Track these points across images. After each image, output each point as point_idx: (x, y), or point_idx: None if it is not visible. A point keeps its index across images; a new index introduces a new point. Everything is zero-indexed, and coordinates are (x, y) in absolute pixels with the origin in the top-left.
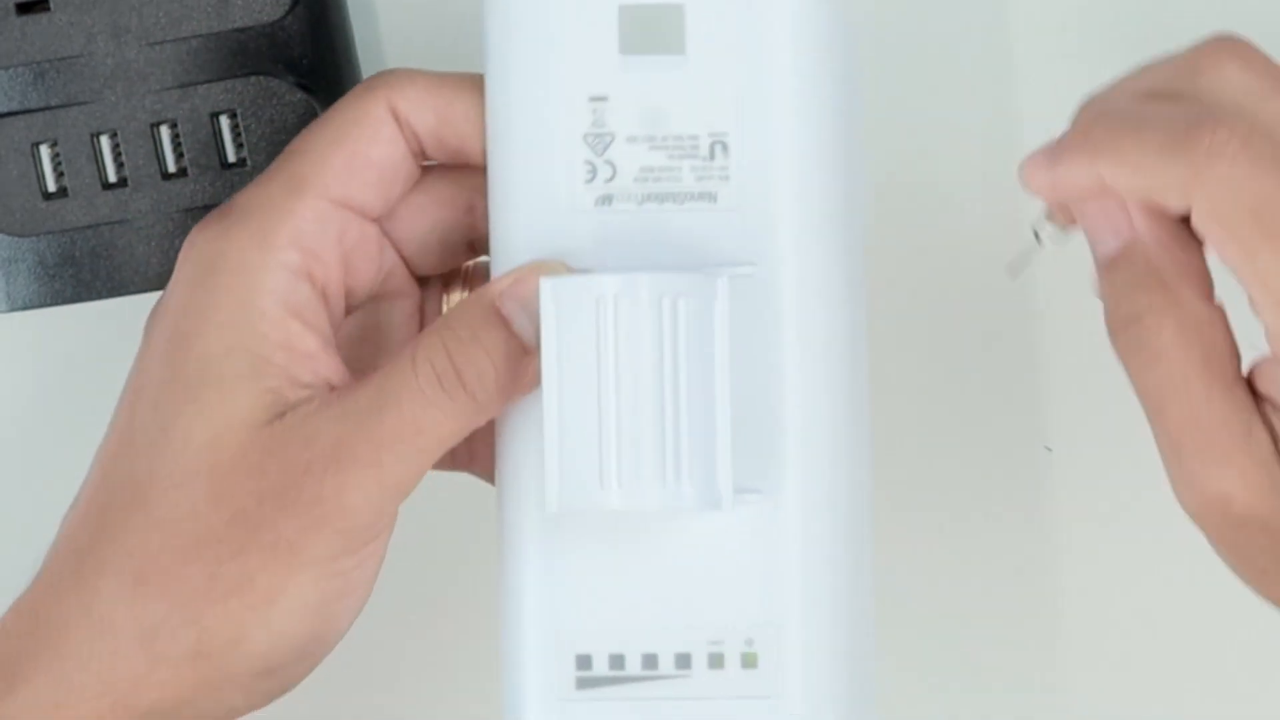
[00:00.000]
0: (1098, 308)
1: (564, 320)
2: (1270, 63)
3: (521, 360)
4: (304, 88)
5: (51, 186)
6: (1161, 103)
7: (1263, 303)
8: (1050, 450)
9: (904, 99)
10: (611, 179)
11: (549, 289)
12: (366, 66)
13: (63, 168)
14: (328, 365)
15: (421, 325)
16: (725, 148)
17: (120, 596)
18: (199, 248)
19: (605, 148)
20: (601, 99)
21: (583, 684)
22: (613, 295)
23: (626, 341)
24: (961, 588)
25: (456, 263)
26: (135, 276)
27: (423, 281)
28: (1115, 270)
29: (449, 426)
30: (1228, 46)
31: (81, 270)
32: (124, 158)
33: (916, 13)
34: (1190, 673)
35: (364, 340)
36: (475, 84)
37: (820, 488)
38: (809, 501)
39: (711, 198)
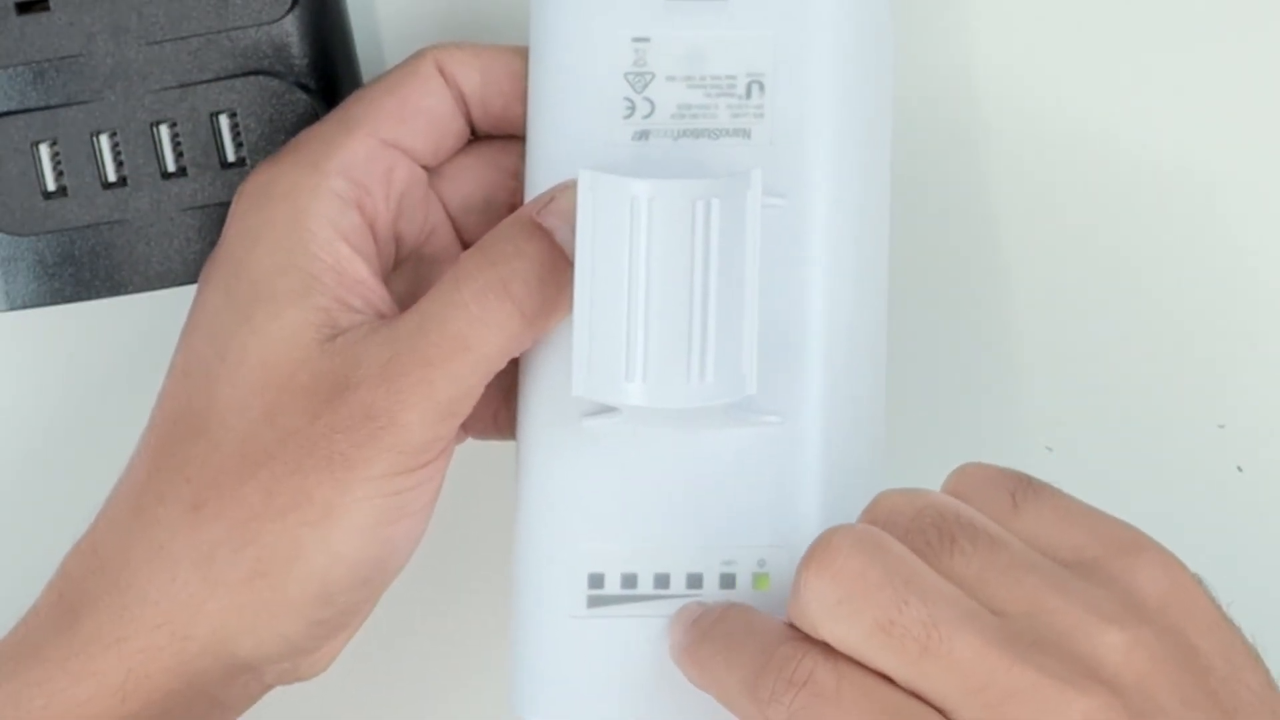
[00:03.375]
0: (1097, 308)
1: (600, 213)
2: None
3: (565, 271)
4: (304, 87)
5: (51, 186)
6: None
7: None
8: (1050, 450)
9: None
10: (650, 115)
11: (587, 180)
12: (366, 66)
13: (62, 167)
14: (377, 294)
15: None
16: (761, 87)
17: (178, 523)
18: (253, 182)
19: (645, 86)
20: (644, 40)
21: (594, 602)
22: (647, 197)
23: (659, 239)
24: None
25: None
26: (135, 276)
27: (466, 246)
28: None
29: (496, 342)
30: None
31: (81, 269)
32: (123, 157)
33: None
34: None
35: (412, 300)
36: (519, 52)
37: (838, 416)
38: (825, 427)
39: (745, 134)
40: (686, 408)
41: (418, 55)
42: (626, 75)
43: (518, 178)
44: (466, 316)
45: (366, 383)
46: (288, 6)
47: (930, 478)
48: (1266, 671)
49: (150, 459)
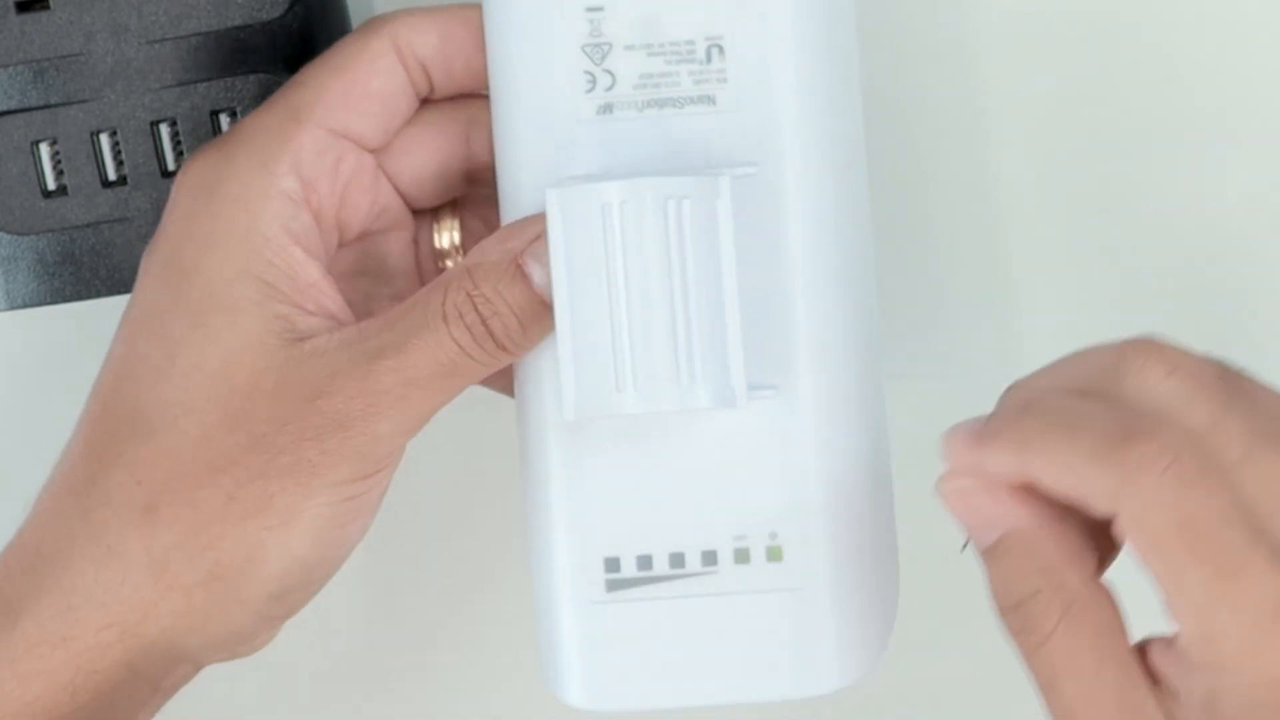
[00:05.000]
0: (1097, 307)
1: (571, 230)
2: (1193, 364)
3: (545, 311)
4: None
5: (51, 185)
6: (1093, 402)
7: (1181, 611)
8: None
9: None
10: (611, 87)
11: (555, 200)
12: None
13: (62, 166)
14: (329, 296)
15: (417, 258)
16: (721, 50)
17: (129, 527)
18: (196, 174)
19: (604, 57)
20: (597, 9)
21: (612, 586)
22: (618, 202)
23: (634, 246)
24: (961, 587)
25: (452, 195)
26: (135, 275)
27: (416, 213)
28: (997, 558)
29: (478, 370)
30: (1152, 350)
31: (81, 268)
32: (124, 156)
33: None
34: None
35: (361, 274)
36: (474, 10)
37: (833, 379)
38: (823, 393)
39: (710, 100)
40: (679, 409)
41: (370, 29)
42: (584, 48)
43: (469, 143)
44: (455, 350)
45: (343, 393)
46: (288, 4)
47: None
48: None
49: (92, 457)
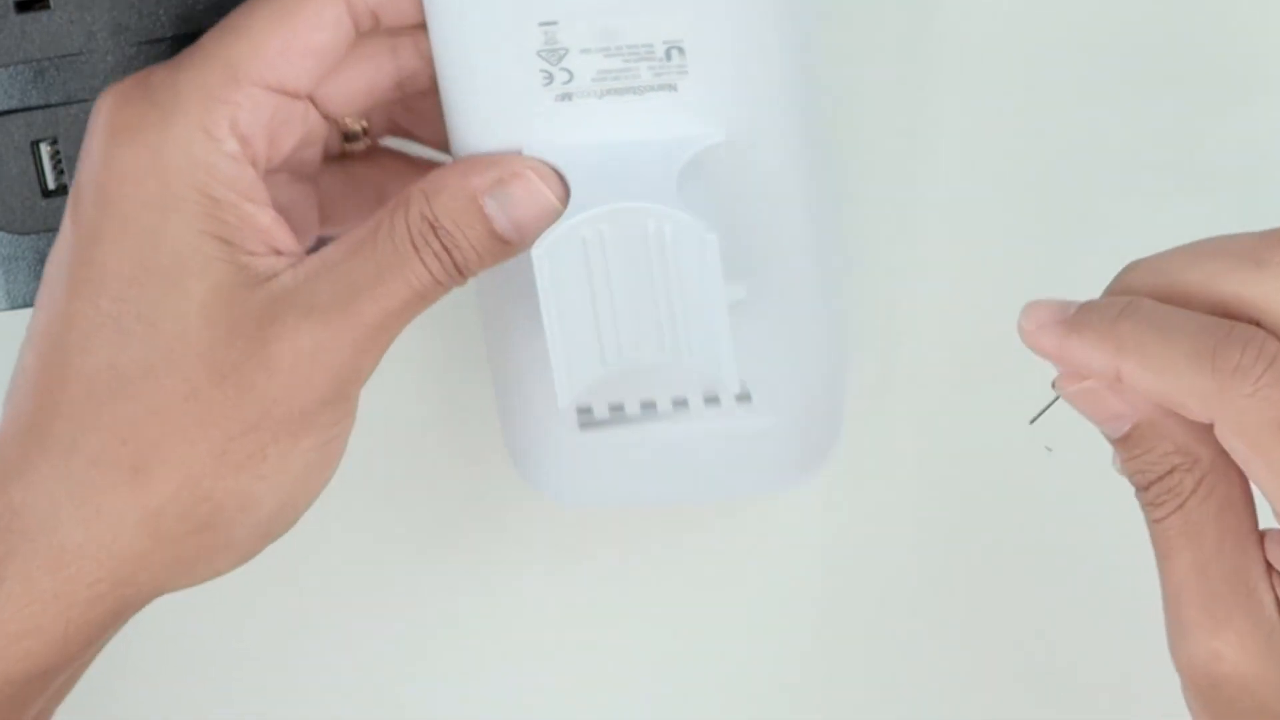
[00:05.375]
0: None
1: (557, 265)
2: None
3: (505, 246)
4: None
5: (51, 184)
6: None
7: None
8: (1050, 450)
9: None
10: (569, 81)
11: (544, 257)
12: None
13: (63, 165)
14: (282, 235)
15: (326, 144)
16: (681, 50)
17: (118, 486)
18: (126, 124)
19: (560, 59)
20: (551, 23)
21: (585, 425)
22: (598, 236)
23: (615, 256)
24: (961, 587)
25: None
26: None
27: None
28: (1131, 445)
29: (442, 293)
30: None
31: None
32: None
33: None
34: None
35: (286, 183)
36: None
37: (798, 277)
38: (788, 287)
39: (672, 88)
40: (662, 363)
41: None
42: (539, 53)
43: (398, 57)
44: (428, 279)
45: (326, 335)
46: None
47: (930, 477)
48: None
49: (61, 419)
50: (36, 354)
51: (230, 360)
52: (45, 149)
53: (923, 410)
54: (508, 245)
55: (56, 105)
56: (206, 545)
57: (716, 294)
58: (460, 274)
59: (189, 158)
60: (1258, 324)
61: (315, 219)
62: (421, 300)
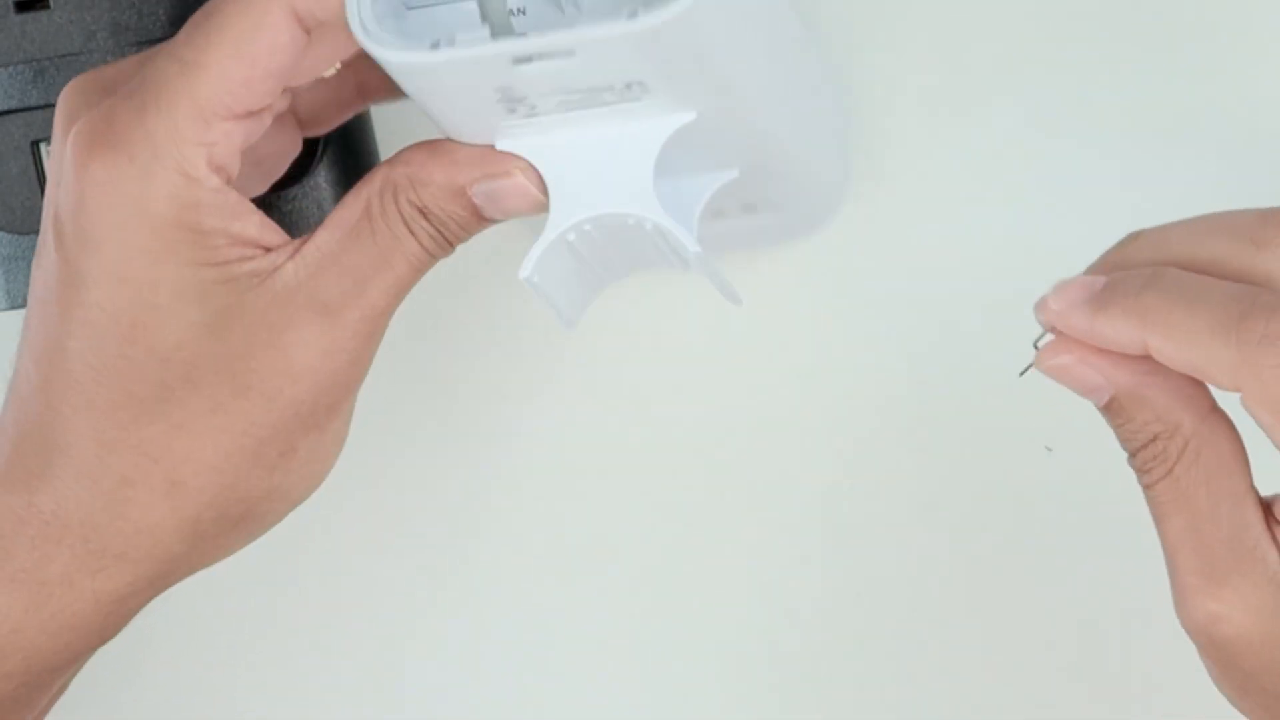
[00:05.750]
0: None
1: (545, 271)
2: None
3: (487, 222)
4: None
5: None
6: (1218, 274)
7: None
8: (1050, 450)
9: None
10: (533, 109)
11: (532, 277)
12: None
13: None
14: (270, 234)
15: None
16: (644, 85)
17: (156, 500)
18: (117, 185)
19: (520, 100)
20: (507, 85)
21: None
22: (582, 233)
23: (601, 239)
24: (961, 587)
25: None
26: None
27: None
28: (1114, 414)
29: (433, 264)
30: None
31: None
32: None
33: None
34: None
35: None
36: None
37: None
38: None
39: (638, 99)
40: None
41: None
42: (500, 101)
43: (360, 85)
44: (425, 257)
45: (341, 328)
46: None
47: (930, 477)
48: None
49: (91, 437)
50: (39, 371)
51: (250, 371)
52: (45, 149)
53: (920, 410)
54: (494, 222)
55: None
56: (240, 536)
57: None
58: (450, 246)
59: (174, 202)
60: None
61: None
62: (418, 273)
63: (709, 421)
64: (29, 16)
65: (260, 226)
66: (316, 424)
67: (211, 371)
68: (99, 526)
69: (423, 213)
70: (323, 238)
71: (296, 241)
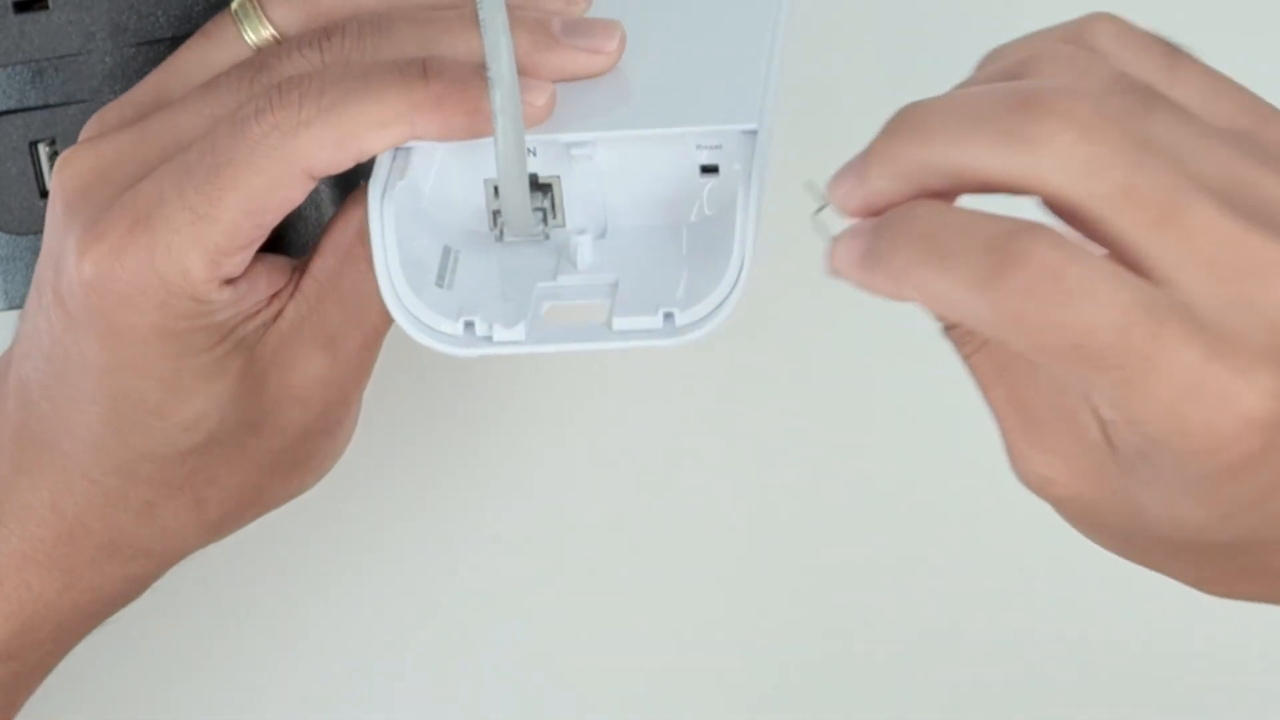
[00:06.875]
0: None
1: None
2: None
3: None
4: None
5: (50, 185)
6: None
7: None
8: None
9: None
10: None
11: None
12: None
13: None
14: (274, 277)
15: None
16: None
17: (181, 515)
18: (134, 301)
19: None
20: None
21: None
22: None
23: None
24: (960, 587)
25: None
26: None
27: None
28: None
29: None
30: (1103, 19)
31: None
32: None
33: None
34: (1191, 671)
35: None
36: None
37: None
38: None
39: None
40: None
41: (278, 154)
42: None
43: None
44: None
45: (347, 354)
46: None
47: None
48: None
49: (109, 469)
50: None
51: (264, 411)
52: (43, 149)
53: (914, 410)
54: None
55: (55, 106)
56: (255, 518)
57: None
58: None
59: (189, 320)
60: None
61: None
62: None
63: (709, 423)
64: (28, 17)
65: (267, 278)
66: (327, 430)
67: (232, 424)
68: (124, 531)
69: None
70: (318, 266)
71: (295, 274)
